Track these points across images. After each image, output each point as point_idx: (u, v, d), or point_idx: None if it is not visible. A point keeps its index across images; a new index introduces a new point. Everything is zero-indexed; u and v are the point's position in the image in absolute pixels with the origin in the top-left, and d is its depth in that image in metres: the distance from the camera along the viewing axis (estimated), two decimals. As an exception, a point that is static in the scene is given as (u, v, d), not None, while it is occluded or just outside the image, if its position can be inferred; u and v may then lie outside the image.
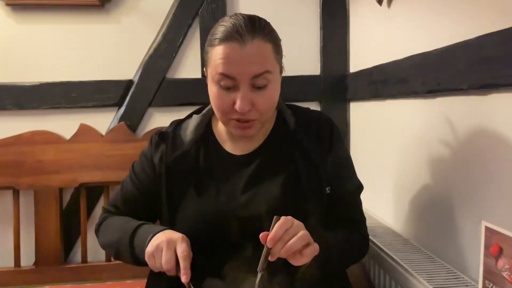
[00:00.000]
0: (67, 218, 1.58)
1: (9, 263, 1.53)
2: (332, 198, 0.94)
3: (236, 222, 0.87)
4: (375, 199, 1.41)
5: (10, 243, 1.52)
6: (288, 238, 0.74)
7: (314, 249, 0.77)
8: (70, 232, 1.60)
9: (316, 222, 0.89)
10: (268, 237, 0.73)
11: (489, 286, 0.58)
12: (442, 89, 0.98)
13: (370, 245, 1.01)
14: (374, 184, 1.41)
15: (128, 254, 0.89)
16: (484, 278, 0.60)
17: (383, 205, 1.37)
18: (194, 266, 0.80)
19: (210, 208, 0.90)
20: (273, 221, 0.74)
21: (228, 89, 0.85)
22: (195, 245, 0.84)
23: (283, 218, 0.75)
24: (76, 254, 1.62)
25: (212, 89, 0.87)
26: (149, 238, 0.82)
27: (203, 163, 0.95)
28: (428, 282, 0.87)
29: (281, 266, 0.79)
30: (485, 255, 0.57)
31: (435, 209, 1.06)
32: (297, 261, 0.76)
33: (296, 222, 0.77)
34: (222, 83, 0.84)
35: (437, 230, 1.05)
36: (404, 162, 1.23)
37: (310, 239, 0.77)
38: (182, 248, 0.78)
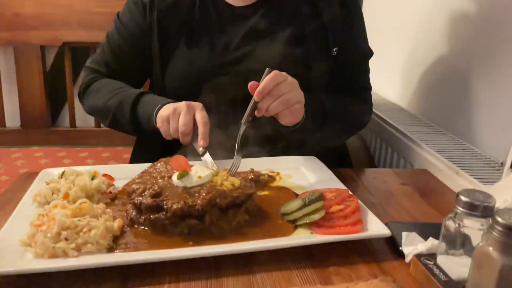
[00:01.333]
0: (53, 81, 1.49)
1: (-6, 123, 1.48)
2: (339, 60, 0.84)
3: (229, 78, 0.78)
4: (383, 76, 1.31)
5: (-8, 102, 1.46)
6: (278, 94, 0.66)
7: (302, 108, 0.70)
8: (57, 95, 1.53)
9: (318, 85, 0.81)
10: (256, 89, 0.65)
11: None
12: None
13: (371, 118, 0.94)
14: (382, 60, 1.30)
15: (128, 121, 0.80)
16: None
17: (391, 82, 1.28)
18: None
19: (202, 62, 0.81)
20: (264, 73, 0.65)
21: None
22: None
23: (275, 71, 0.66)
24: (64, 118, 1.57)
25: None
26: (158, 106, 0.74)
27: (198, 14, 0.83)
28: (435, 151, 0.82)
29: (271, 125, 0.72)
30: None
31: (449, 82, 0.97)
32: (285, 119, 0.69)
33: (290, 78, 0.68)
34: None
35: (449, 104, 0.97)
36: (421, 32, 1.11)
37: (301, 98, 0.69)
38: (202, 114, 0.70)
